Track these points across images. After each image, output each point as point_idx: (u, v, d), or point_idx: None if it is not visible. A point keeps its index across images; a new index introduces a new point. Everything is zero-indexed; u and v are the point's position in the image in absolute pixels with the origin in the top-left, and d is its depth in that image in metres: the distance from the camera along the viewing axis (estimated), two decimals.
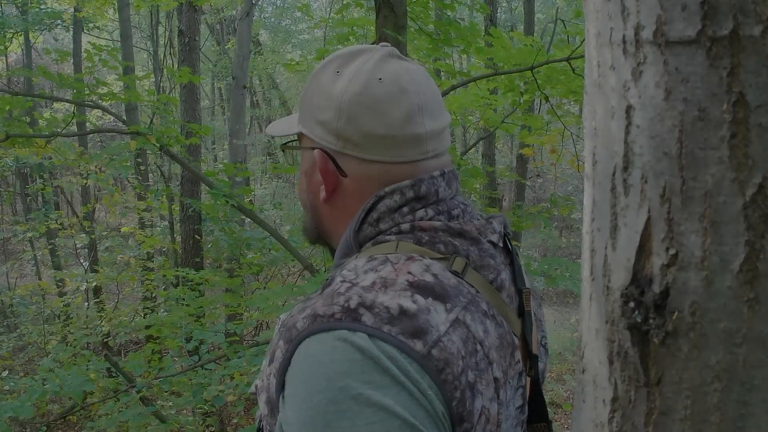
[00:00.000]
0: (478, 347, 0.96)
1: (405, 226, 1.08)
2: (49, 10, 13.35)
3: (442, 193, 1.13)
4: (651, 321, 0.53)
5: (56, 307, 11.89)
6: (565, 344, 12.64)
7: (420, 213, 1.10)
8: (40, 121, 7.12)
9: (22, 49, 17.01)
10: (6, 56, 16.26)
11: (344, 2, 6.18)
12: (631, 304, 0.54)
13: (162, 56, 15.13)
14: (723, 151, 0.49)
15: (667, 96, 0.51)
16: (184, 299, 7.73)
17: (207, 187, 5.79)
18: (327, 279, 1.08)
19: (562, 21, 5.18)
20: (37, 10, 12.99)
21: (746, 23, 0.47)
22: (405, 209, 1.10)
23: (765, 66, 0.47)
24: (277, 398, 0.94)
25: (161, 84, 14.49)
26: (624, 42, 0.53)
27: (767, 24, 0.46)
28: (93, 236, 13.19)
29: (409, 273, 0.98)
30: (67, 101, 6.23)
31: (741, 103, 0.48)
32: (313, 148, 1.14)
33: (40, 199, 15.49)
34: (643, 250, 0.53)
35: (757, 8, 0.46)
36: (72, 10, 13.40)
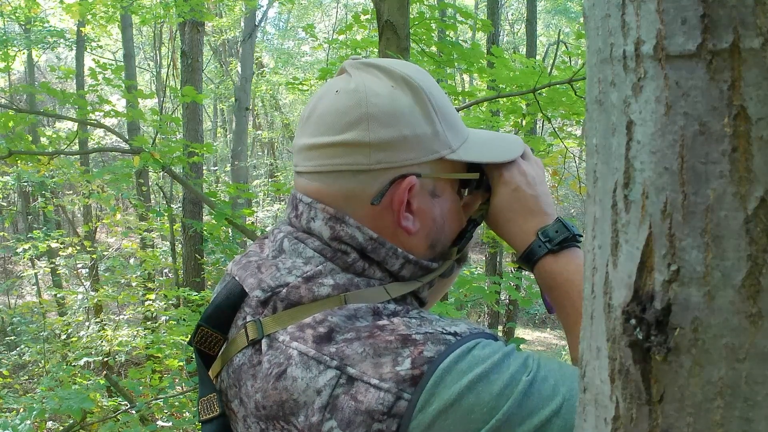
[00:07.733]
0: None
1: None
2: (53, 28, 13.43)
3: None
4: (653, 338, 0.52)
5: (56, 325, 11.86)
6: None
7: None
8: (42, 138, 7.14)
9: (25, 67, 17.12)
10: (9, 74, 16.37)
11: (347, 24, 6.22)
12: (633, 321, 0.54)
13: (165, 77, 15.20)
14: (724, 165, 0.48)
15: (667, 111, 0.50)
16: (185, 320, 7.72)
17: (209, 208, 5.79)
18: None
19: (564, 43, 5.20)
20: (40, 28, 13.07)
21: (746, 36, 0.47)
22: None
23: (766, 79, 0.47)
24: None
25: (164, 105, 14.55)
26: (624, 57, 0.53)
27: (767, 36, 0.46)
28: (95, 256, 13.19)
29: None
30: (71, 119, 6.26)
31: (742, 117, 0.47)
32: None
33: (41, 218, 15.51)
34: (644, 267, 0.53)
35: (758, 21, 0.46)
36: (75, 27, 13.48)
